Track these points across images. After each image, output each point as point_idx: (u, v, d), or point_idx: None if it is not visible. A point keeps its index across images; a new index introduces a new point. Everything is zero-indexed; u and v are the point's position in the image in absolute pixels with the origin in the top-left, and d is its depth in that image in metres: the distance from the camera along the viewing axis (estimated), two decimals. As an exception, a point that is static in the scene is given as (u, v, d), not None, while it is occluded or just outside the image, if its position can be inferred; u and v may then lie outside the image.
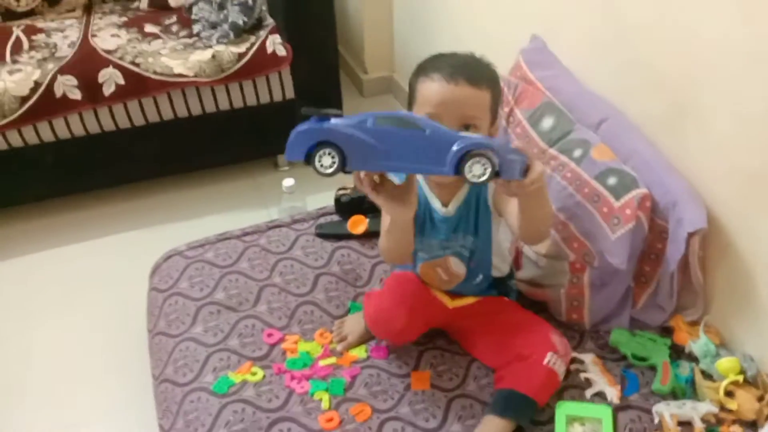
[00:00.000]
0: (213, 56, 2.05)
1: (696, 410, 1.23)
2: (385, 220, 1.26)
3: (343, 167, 0.98)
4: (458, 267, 1.33)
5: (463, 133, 1.03)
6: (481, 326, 1.36)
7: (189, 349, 1.41)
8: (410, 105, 1.24)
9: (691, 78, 1.30)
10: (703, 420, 1.22)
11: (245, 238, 1.66)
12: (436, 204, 1.29)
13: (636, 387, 1.29)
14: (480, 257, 1.33)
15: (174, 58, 2.05)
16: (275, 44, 2.09)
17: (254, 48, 2.07)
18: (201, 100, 2.10)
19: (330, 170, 0.98)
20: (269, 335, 1.42)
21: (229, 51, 2.06)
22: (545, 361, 1.26)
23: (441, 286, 1.37)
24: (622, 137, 1.43)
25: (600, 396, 1.28)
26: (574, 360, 1.33)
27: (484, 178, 0.98)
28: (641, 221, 1.30)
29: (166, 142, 2.15)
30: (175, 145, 2.18)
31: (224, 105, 2.13)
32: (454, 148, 0.97)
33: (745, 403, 1.23)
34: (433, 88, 1.16)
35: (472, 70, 1.18)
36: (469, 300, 1.38)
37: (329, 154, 0.97)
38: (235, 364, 1.37)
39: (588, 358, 1.34)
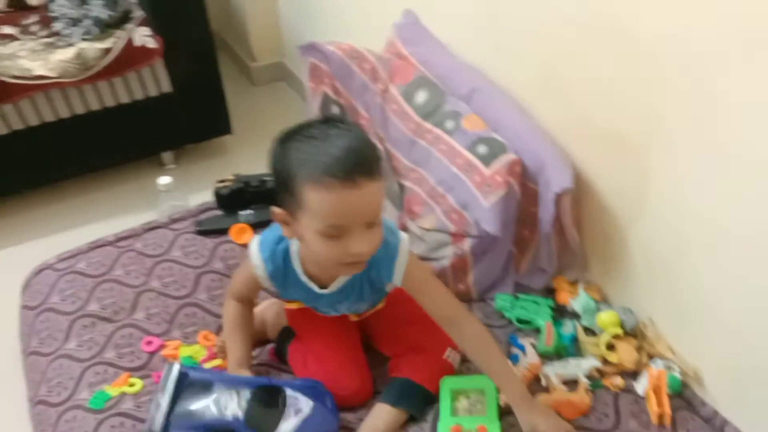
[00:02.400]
0: (76, 54, 1.93)
1: (580, 367, 1.24)
2: (228, 343, 1.25)
3: None
4: (353, 317, 1.29)
5: None
6: (383, 320, 1.31)
7: (63, 366, 1.33)
8: (287, 203, 1.01)
9: (553, 46, 1.31)
10: (587, 376, 1.24)
11: (120, 243, 1.58)
12: (312, 286, 1.17)
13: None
14: (375, 305, 1.29)
15: (33, 59, 1.92)
16: (143, 37, 1.98)
17: (121, 43, 1.97)
18: (69, 102, 1.98)
19: None
20: (148, 343, 1.35)
21: (93, 48, 1.94)
22: (444, 356, 1.24)
23: None
24: (492, 106, 1.43)
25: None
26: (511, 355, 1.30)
27: None
28: (512, 187, 1.30)
29: (35, 150, 2.02)
30: (45, 153, 2.04)
31: (95, 105, 2.01)
32: None
33: (625, 354, 1.26)
34: (330, 200, 0.95)
35: (366, 158, 0.96)
36: (377, 308, 1.31)
37: None
38: (112, 376, 1.29)
39: (531, 359, 1.26)
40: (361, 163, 0.95)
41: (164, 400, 1.12)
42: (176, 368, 1.15)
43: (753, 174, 1.00)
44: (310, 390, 1.17)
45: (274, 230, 1.16)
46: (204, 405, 1.12)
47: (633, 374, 1.26)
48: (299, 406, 1.13)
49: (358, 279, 1.15)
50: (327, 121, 1.02)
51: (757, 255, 1.04)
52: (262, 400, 1.14)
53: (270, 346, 1.34)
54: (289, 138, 1.00)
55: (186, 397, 1.13)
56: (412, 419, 1.20)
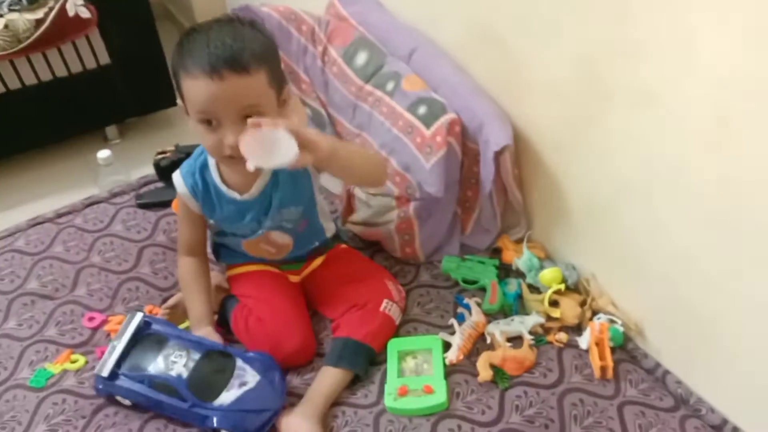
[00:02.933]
0: (6, 26, 1.85)
1: (524, 324, 1.25)
2: (186, 300, 1.26)
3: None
4: (282, 238, 1.26)
5: (218, 402, 1.11)
6: (323, 280, 1.33)
7: (2, 346, 1.29)
8: (182, 97, 1.08)
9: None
10: (531, 332, 1.25)
11: (59, 220, 1.54)
12: (233, 194, 1.19)
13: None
14: (309, 224, 1.28)
15: (-41, 32, 1.84)
16: (76, 6, 1.91)
17: (53, 13, 1.89)
18: (1, 77, 1.90)
19: (128, 403, 1.17)
20: (90, 319, 1.33)
21: (23, 19, 1.87)
22: (381, 308, 1.25)
23: (272, 258, 1.29)
24: (431, 66, 1.41)
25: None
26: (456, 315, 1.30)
27: None
28: (453, 147, 1.29)
29: (-31, 128, 1.95)
30: (-19, 130, 1.97)
31: (30, 79, 1.94)
32: (207, 423, 1.11)
33: (568, 309, 1.28)
34: (197, 89, 1.02)
35: (235, 54, 1.01)
36: (315, 264, 1.33)
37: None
38: (54, 354, 1.27)
39: (476, 317, 1.26)
40: (230, 58, 1.00)
41: (119, 347, 1.16)
42: (138, 317, 1.19)
43: (679, 115, 1.01)
44: (260, 364, 1.16)
45: (195, 151, 1.22)
46: (153, 358, 1.15)
47: (577, 329, 1.28)
48: (245, 378, 1.13)
49: (274, 179, 1.18)
50: (229, 19, 1.08)
51: (687, 202, 1.06)
52: (211, 365, 1.14)
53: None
54: (187, 32, 1.06)
55: (140, 347, 1.17)
56: (358, 379, 1.20)
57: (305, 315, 1.28)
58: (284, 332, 1.21)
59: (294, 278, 1.32)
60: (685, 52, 0.96)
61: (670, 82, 1.00)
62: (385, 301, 1.26)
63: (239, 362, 1.15)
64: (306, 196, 1.24)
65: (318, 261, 1.34)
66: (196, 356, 1.14)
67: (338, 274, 1.32)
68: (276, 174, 1.18)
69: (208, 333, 1.21)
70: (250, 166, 0.96)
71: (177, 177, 1.21)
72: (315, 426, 1.10)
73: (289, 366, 1.21)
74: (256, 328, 1.23)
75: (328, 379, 1.18)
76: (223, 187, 1.19)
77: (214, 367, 1.14)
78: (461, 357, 1.21)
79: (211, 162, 1.19)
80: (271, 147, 0.98)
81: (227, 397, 1.11)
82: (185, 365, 1.13)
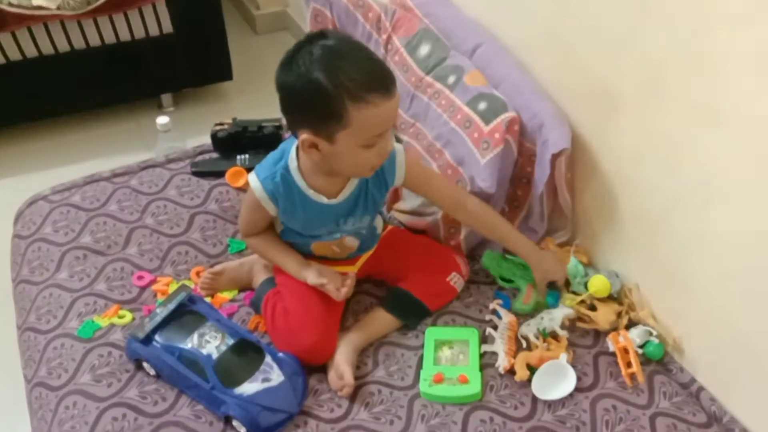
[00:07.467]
0: (77, -13, 1.90)
1: (553, 320, 1.26)
2: (278, 261, 1.27)
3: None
4: (353, 242, 1.29)
5: (238, 390, 1.12)
6: (389, 258, 1.36)
7: (53, 295, 1.34)
8: (321, 126, 1.04)
9: (555, 2, 1.30)
10: (564, 327, 1.26)
11: (115, 179, 1.58)
12: (321, 198, 1.19)
13: (507, 307, 1.32)
14: (371, 229, 1.31)
15: (33, -11, 1.89)
16: (146, -26, 1.96)
17: (123, -22, 1.94)
18: (68, 36, 1.96)
19: (152, 372, 1.20)
20: (139, 278, 1.37)
21: (95, -19, 1.92)
22: (448, 278, 1.32)
23: (334, 257, 1.31)
24: (494, 63, 1.42)
25: (490, 355, 1.23)
26: (494, 311, 1.31)
27: None
28: (510, 145, 1.30)
29: (32, 83, 2.01)
30: (43, 86, 2.03)
31: (95, 41, 2.00)
32: (221, 409, 1.13)
33: (603, 315, 1.27)
34: (379, 115, 1.03)
35: (387, 70, 1.06)
36: (369, 252, 1.36)
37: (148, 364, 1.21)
38: (102, 308, 1.31)
39: (507, 318, 1.28)
40: (389, 74, 1.05)
41: (161, 314, 1.19)
42: (187, 292, 1.23)
43: (746, 135, 1.00)
44: (287, 366, 1.17)
45: (270, 156, 1.21)
46: (188, 334, 1.18)
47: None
48: (270, 375, 1.15)
49: (362, 187, 1.21)
50: (320, 36, 1.06)
51: (742, 222, 1.06)
52: (240, 354, 1.17)
53: (248, 292, 1.35)
54: (298, 63, 1.03)
55: (179, 321, 1.20)
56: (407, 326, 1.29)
57: (333, 316, 1.26)
58: (304, 328, 1.21)
59: (350, 268, 1.32)
60: (758, 73, 0.96)
61: (740, 102, 1.00)
62: (454, 273, 1.32)
63: (268, 359, 1.17)
64: (380, 204, 1.28)
65: (371, 249, 1.36)
66: (230, 342, 1.17)
67: (405, 249, 1.36)
68: (365, 182, 1.20)
69: (321, 269, 1.23)
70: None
71: (254, 181, 1.18)
72: (352, 353, 1.21)
73: (306, 362, 1.21)
74: (280, 318, 1.24)
75: (378, 320, 1.27)
76: (309, 191, 1.18)
77: (243, 357, 1.16)
78: (511, 360, 1.20)
79: (293, 167, 1.17)
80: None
81: (248, 388, 1.13)
82: (217, 347, 1.16)
